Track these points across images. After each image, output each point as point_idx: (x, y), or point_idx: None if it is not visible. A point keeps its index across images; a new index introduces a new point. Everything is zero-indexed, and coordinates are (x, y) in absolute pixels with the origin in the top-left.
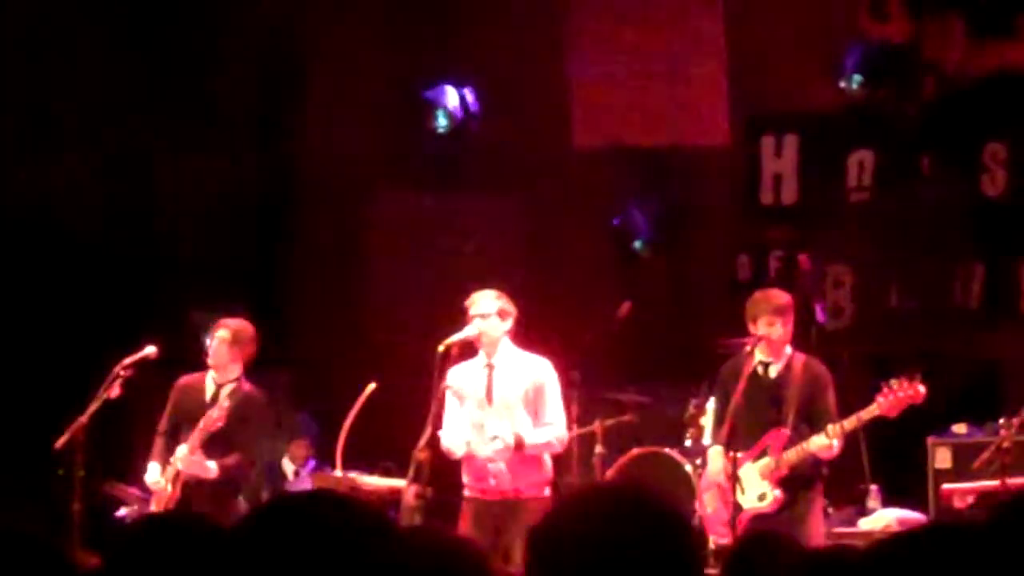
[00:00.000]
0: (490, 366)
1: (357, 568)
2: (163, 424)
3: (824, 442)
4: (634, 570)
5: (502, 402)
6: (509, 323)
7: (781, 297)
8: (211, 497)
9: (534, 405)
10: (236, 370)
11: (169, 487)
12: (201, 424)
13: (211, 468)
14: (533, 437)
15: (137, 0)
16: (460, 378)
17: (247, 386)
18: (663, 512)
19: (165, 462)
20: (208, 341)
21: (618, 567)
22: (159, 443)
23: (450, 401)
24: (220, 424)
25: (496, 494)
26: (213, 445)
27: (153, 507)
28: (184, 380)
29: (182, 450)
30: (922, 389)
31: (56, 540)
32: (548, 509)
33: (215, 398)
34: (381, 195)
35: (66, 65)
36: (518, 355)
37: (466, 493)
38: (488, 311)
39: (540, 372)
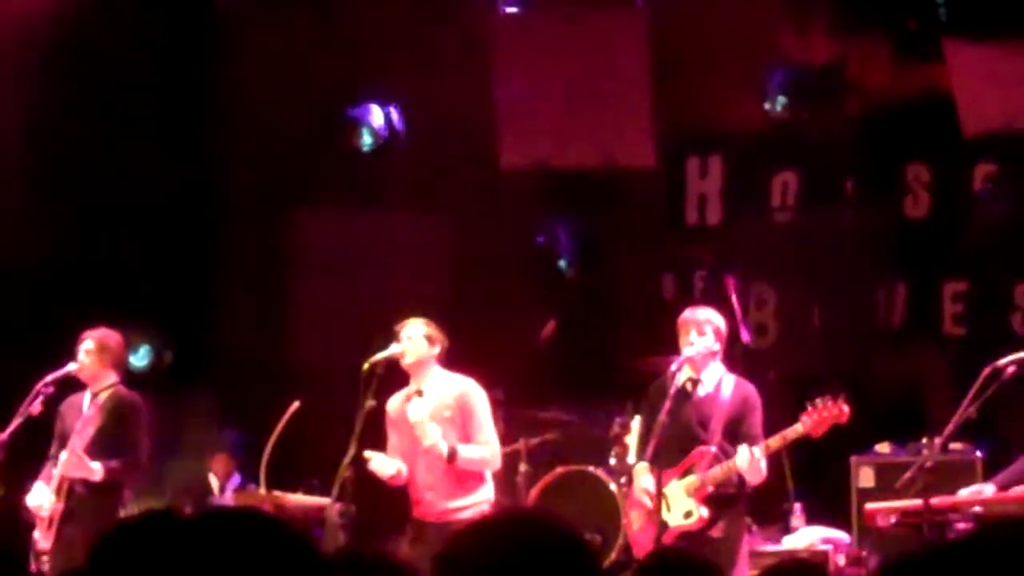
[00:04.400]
0: (419, 391)
1: None
2: (53, 447)
3: (747, 458)
4: None
5: (431, 423)
6: (437, 350)
7: (702, 311)
8: (94, 508)
9: (463, 425)
10: (110, 377)
11: (53, 498)
12: (78, 425)
13: (95, 468)
14: (466, 451)
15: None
16: (391, 405)
17: (123, 390)
18: (564, 540)
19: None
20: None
21: None
22: (47, 467)
23: (389, 431)
24: (96, 422)
25: (433, 516)
26: (97, 451)
27: (38, 527)
28: (66, 401)
29: (63, 455)
30: (846, 409)
31: None
32: None
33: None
34: (306, 214)
35: None
36: (445, 377)
37: (411, 515)
38: (415, 334)
39: (467, 392)
